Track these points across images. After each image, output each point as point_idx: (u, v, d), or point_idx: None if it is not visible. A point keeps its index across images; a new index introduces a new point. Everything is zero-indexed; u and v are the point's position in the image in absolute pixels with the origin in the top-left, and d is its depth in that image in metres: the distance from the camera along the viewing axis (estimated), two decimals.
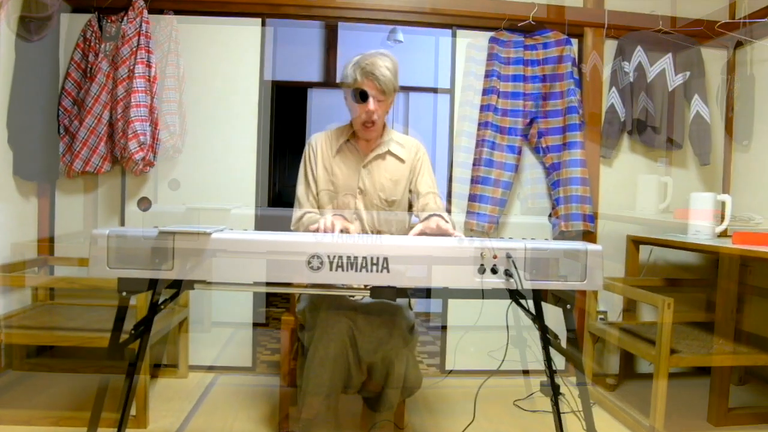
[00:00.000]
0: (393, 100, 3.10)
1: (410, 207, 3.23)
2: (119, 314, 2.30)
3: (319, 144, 3.21)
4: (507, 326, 2.68)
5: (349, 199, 3.12)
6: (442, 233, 2.60)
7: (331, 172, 3.14)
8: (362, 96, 2.97)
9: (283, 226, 3.15)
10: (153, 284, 2.31)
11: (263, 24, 4.30)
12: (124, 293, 2.26)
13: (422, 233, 2.68)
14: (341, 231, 2.66)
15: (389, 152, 3.18)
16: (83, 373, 4.05)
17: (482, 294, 2.33)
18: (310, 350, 2.69)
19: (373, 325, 2.72)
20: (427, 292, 2.49)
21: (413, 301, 3.20)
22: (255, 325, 4.39)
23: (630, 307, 4.41)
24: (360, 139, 3.17)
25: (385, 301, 2.89)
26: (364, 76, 2.94)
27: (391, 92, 3.00)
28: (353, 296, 2.95)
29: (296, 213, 3.16)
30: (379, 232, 3.13)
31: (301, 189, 3.19)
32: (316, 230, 2.66)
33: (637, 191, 4.41)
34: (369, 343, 2.70)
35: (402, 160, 3.19)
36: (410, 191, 3.20)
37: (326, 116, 6.15)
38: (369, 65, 2.94)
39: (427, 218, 2.88)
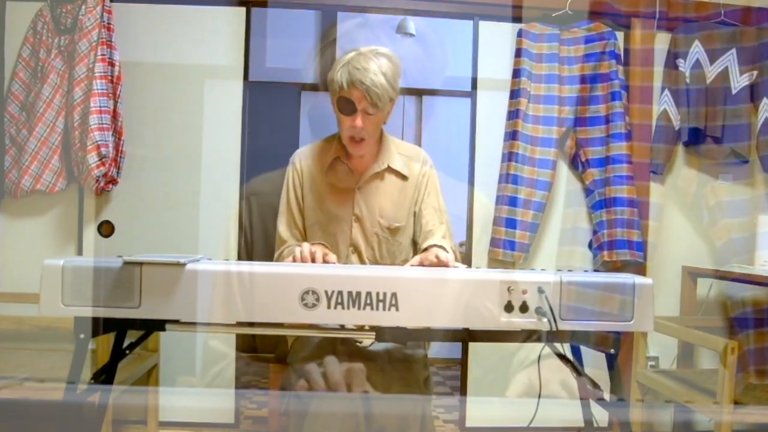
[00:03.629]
0: (391, 109, 3.03)
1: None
2: (76, 361, 2.30)
3: (305, 163, 3.14)
4: (539, 374, 2.68)
5: (343, 227, 3.06)
6: (441, 265, 2.60)
7: (321, 197, 3.08)
8: (347, 108, 2.89)
9: None
10: (116, 325, 2.31)
11: (248, 13, 4.33)
12: (82, 335, 2.25)
13: (419, 266, 2.68)
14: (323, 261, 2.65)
15: (389, 168, 3.11)
16: None
17: (510, 336, 2.33)
18: (311, 408, 2.66)
19: (387, 377, 2.68)
20: (443, 335, 2.48)
21: (426, 344, 3.18)
22: (238, 374, 4.39)
23: (686, 352, 4.40)
24: (354, 159, 3.09)
25: (398, 346, 2.88)
26: (351, 83, 2.83)
27: (386, 102, 2.90)
28: (360, 341, 2.93)
29: (276, 251, 3.14)
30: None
31: (282, 222, 3.13)
32: (291, 261, 2.65)
33: (758, 236, 4.20)
34: (382, 400, 2.65)
35: (405, 177, 3.12)
36: (414, 213, 3.13)
37: (323, 125, 6.14)
38: (358, 70, 2.82)
39: (425, 249, 2.88)
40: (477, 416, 4.49)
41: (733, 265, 4.16)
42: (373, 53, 2.89)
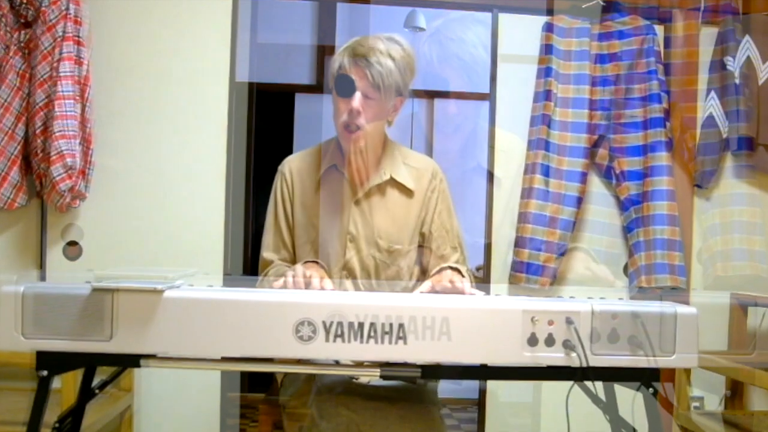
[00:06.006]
0: (398, 105, 3.02)
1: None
2: (38, 402, 2.30)
3: (296, 173, 3.11)
4: (567, 416, 2.68)
5: (336, 247, 3.02)
6: (455, 292, 2.57)
7: (313, 211, 3.05)
8: (345, 87, 2.86)
9: None
10: (84, 360, 2.31)
11: (235, 6, 4.32)
12: (45, 372, 2.25)
13: (431, 292, 2.65)
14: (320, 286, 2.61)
15: (392, 181, 3.07)
16: None
17: (534, 373, 2.33)
18: None
19: (388, 419, 2.68)
20: (458, 372, 2.48)
21: (437, 382, 3.17)
22: (224, 415, 4.38)
23: (735, 392, 4.39)
24: (351, 162, 3.02)
25: (405, 384, 2.87)
26: (353, 62, 2.85)
27: (391, 90, 2.88)
28: (356, 378, 2.92)
29: (260, 274, 3.10)
30: None
31: (268, 240, 3.11)
32: (282, 287, 2.62)
33: None
34: None
35: (410, 192, 3.08)
36: (421, 234, 3.10)
37: (319, 130, 6.13)
38: (362, 47, 2.84)
39: (438, 272, 2.86)
40: None
41: None
42: (384, 37, 2.89)
